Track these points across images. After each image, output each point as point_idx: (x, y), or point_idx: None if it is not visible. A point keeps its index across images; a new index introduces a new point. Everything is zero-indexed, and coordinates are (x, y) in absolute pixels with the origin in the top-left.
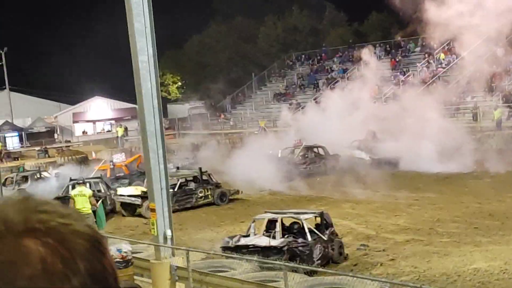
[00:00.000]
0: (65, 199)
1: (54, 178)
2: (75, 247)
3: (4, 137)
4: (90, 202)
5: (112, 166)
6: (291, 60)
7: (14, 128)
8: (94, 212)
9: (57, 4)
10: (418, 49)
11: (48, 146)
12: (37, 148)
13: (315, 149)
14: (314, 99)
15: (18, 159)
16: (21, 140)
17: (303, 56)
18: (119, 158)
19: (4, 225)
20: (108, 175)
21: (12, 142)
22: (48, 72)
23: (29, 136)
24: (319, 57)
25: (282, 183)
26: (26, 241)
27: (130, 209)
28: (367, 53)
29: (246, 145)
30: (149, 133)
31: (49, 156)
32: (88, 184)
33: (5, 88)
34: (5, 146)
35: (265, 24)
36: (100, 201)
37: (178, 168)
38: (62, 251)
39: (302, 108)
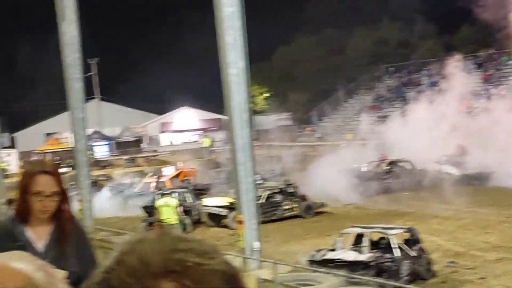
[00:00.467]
0: (151, 209)
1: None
2: (213, 287)
3: (93, 146)
4: (176, 213)
5: (157, 180)
6: (380, 72)
7: (103, 137)
8: (180, 222)
9: (147, 15)
10: (511, 62)
11: (135, 156)
12: (125, 157)
13: (400, 164)
14: (402, 112)
15: (106, 168)
16: (110, 149)
17: (392, 68)
18: (169, 171)
19: (144, 267)
20: (153, 188)
21: (102, 151)
22: (137, 82)
23: (118, 145)
24: (408, 70)
25: (367, 197)
26: (164, 283)
27: (216, 219)
28: (457, 66)
29: (332, 157)
30: (238, 146)
31: (137, 165)
32: (176, 194)
33: (95, 97)
34: (94, 155)
35: (354, 36)
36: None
37: (264, 180)
38: None
39: (389, 121)
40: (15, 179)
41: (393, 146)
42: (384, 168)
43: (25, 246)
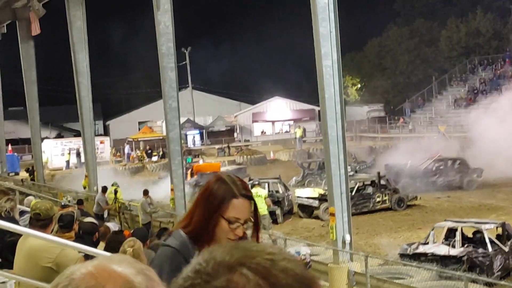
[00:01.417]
0: None
1: None
2: (283, 283)
3: (186, 135)
4: (266, 203)
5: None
6: (473, 64)
7: (196, 126)
8: (271, 212)
9: (241, 4)
10: None
11: (227, 145)
12: (217, 146)
13: (452, 161)
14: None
15: (198, 157)
16: (201, 138)
17: (485, 60)
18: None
19: (217, 264)
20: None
21: (194, 140)
22: (229, 71)
23: (210, 134)
24: (502, 62)
25: (458, 191)
26: (235, 277)
27: (307, 211)
28: None
29: (425, 150)
30: (331, 137)
31: (229, 155)
32: (266, 185)
33: (188, 86)
34: (187, 143)
35: (447, 27)
36: None
37: (356, 171)
38: (263, 286)
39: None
40: (108, 166)
41: (480, 140)
42: (435, 165)
43: None
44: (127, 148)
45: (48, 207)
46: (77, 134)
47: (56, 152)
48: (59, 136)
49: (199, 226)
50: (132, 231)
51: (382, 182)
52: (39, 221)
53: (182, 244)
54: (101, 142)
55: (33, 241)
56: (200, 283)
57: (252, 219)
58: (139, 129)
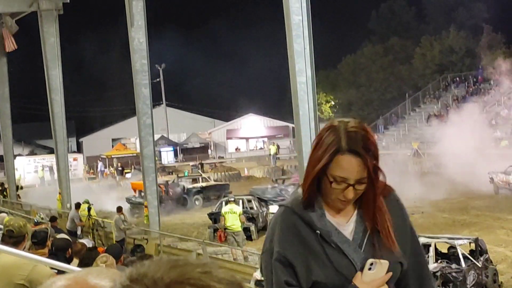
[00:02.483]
0: (217, 215)
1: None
2: None
3: (160, 152)
4: (240, 220)
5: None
6: (446, 81)
7: (170, 143)
8: (246, 229)
9: (213, 22)
10: None
11: (201, 162)
12: (191, 163)
13: None
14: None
15: (172, 174)
16: (175, 155)
17: (458, 78)
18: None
19: (152, 282)
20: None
21: (167, 156)
22: (203, 89)
23: (184, 151)
24: (475, 80)
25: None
26: None
27: None
28: None
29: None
30: (305, 154)
31: (203, 171)
32: (240, 202)
33: (162, 103)
34: (160, 160)
35: (421, 44)
36: None
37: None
38: None
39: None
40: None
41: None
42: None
43: (326, 234)
44: (100, 165)
45: (22, 225)
46: (50, 151)
47: (29, 169)
48: (32, 153)
49: (307, 182)
50: (106, 247)
51: None
52: (12, 238)
53: (294, 202)
54: (74, 159)
55: (5, 258)
56: None
57: (366, 180)
58: (112, 146)
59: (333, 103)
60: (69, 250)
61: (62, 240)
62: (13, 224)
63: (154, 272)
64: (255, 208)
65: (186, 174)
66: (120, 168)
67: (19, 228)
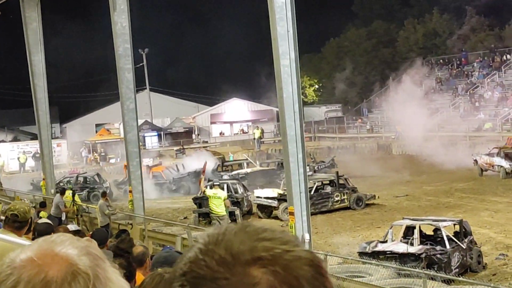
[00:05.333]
0: (202, 200)
1: None
2: (301, 273)
3: (144, 137)
4: (225, 204)
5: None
6: (430, 64)
7: (153, 128)
8: (231, 213)
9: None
10: None
11: (185, 146)
12: (175, 148)
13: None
14: (452, 105)
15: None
16: (159, 139)
17: (442, 60)
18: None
19: (231, 256)
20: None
21: (151, 141)
22: (187, 73)
23: (168, 136)
24: (458, 62)
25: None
26: (254, 270)
27: (267, 211)
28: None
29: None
30: (290, 137)
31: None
32: (225, 186)
33: (145, 88)
34: (144, 145)
35: (404, 28)
36: None
37: (315, 171)
38: (289, 279)
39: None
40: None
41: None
42: None
43: None
44: (84, 151)
45: (27, 210)
46: (34, 137)
47: (12, 155)
48: (15, 139)
49: None
50: (91, 232)
51: (341, 181)
52: (16, 223)
53: None
54: (58, 145)
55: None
56: (219, 277)
57: None
58: (96, 132)
59: (317, 86)
60: (52, 234)
61: (44, 224)
62: (18, 209)
63: (241, 243)
64: (239, 192)
65: (231, 158)
66: (103, 154)
67: (24, 213)
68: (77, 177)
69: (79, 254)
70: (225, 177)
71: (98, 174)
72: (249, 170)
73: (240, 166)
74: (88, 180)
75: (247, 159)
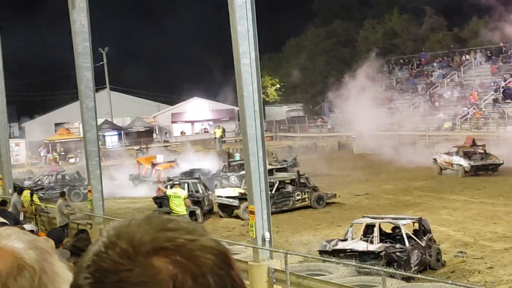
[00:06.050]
0: (162, 199)
1: None
2: (204, 262)
3: (104, 136)
4: (185, 204)
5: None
6: (390, 64)
7: (114, 127)
8: (192, 212)
9: (158, 4)
10: None
11: (146, 146)
12: (136, 147)
13: None
14: (412, 104)
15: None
16: (120, 139)
17: (402, 60)
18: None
19: (132, 247)
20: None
21: (111, 141)
22: (148, 72)
23: (128, 136)
24: (418, 62)
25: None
26: (156, 261)
27: (228, 210)
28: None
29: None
30: (250, 136)
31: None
32: (186, 185)
33: (106, 87)
34: (105, 144)
35: (364, 27)
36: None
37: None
38: (191, 268)
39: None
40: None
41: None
42: None
43: None
44: (43, 151)
45: None
46: None
47: None
48: None
49: None
50: (47, 231)
51: (302, 180)
52: None
53: None
54: (16, 145)
55: None
56: (121, 269)
57: None
58: (55, 131)
59: (278, 86)
60: None
61: None
62: None
63: (143, 234)
64: (200, 191)
65: (237, 158)
66: (62, 153)
67: None
68: (56, 175)
69: (26, 248)
70: (232, 178)
71: (78, 172)
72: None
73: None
74: (68, 178)
75: None
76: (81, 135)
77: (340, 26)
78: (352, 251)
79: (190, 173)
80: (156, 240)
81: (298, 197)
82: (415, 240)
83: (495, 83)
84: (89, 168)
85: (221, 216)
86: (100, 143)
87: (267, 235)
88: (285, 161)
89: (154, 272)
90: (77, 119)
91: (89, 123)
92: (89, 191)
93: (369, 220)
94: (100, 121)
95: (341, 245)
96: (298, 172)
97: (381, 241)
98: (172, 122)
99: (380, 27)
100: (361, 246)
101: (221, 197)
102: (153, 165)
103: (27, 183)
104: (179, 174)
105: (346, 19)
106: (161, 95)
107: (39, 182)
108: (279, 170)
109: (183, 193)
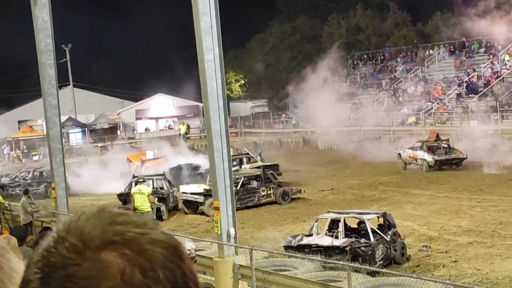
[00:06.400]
0: (127, 196)
1: None
2: (154, 255)
3: (67, 133)
4: (149, 200)
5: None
6: (354, 60)
7: (77, 124)
8: (157, 209)
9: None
10: (482, 50)
11: (111, 143)
12: (100, 144)
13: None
14: (377, 99)
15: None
16: (83, 136)
17: (366, 56)
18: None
19: (81, 241)
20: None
21: (75, 138)
22: (112, 69)
23: (92, 133)
24: (382, 57)
25: (342, 183)
26: (104, 255)
27: (193, 207)
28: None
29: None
30: (214, 132)
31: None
32: (150, 182)
33: (69, 84)
34: (68, 142)
35: (328, 23)
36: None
37: (240, 166)
38: (141, 261)
39: (363, 107)
40: None
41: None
42: None
43: None
44: (6, 148)
45: None
46: None
47: None
48: None
49: None
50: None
51: (267, 176)
52: None
53: None
54: None
55: None
56: (69, 264)
57: None
58: (19, 129)
59: (243, 82)
60: None
61: None
62: None
63: (92, 228)
64: (165, 188)
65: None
66: (25, 151)
67: None
68: (33, 171)
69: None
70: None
71: None
72: (248, 166)
73: (241, 161)
74: (45, 174)
75: (248, 154)
76: (45, 133)
77: (304, 22)
78: (317, 246)
79: (178, 169)
80: (105, 234)
81: (263, 193)
82: (380, 235)
83: (458, 78)
84: (53, 165)
85: (186, 213)
86: (63, 140)
87: (232, 231)
88: (252, 157)
89: (102, 266)
90: (41, 116)
91: (53, 120)
92: (53, 188)
93: (334, 215)
94: (63, 118)
95: (306, 241)
96: (262, 168)
97: (346, 236)
98: (137, 118)
99: (345, 23)
100: (326, 241)
101: (186, 193)
102: (143, 161)
103: (4, 179)
104: (167, 169)
105: (311, 15)
106: (125, 91)
107: (16, 179)
108: (268, 167)
109: (147, 189)
